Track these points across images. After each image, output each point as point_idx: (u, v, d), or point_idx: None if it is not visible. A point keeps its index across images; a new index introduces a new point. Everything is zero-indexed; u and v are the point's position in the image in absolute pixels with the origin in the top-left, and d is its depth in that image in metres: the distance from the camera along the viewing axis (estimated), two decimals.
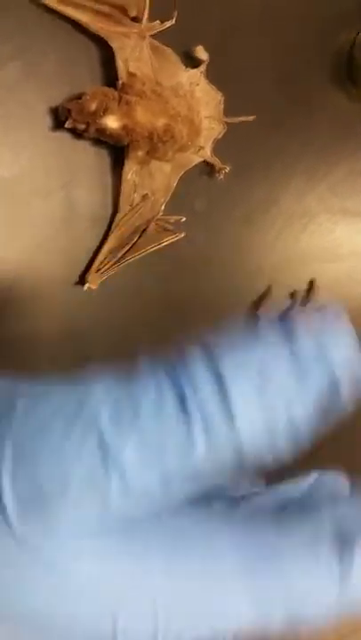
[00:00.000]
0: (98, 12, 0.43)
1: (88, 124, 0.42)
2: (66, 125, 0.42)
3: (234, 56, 0.51)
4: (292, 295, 0.59)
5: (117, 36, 0.43)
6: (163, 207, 0.48)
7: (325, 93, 0.58)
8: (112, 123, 0.42)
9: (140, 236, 0.47)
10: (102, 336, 0.48)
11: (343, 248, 0.62)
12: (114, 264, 0.46)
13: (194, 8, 0.48)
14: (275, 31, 0.53)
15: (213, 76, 0.49)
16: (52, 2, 0.41)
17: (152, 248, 0.48)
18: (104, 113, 0.42)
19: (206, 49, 0.48)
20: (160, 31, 0.45)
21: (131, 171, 0.46)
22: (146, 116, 0.43)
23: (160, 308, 0.51)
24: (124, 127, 0.43)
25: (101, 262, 0.46)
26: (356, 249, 0.62)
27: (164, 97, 0.45)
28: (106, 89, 0.43)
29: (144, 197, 0.47)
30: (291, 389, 0.30)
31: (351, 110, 0.60)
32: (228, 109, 0.51)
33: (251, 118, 0.52)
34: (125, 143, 0.44)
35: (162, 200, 0.48)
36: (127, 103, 0.43)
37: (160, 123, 0.44)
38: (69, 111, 0.41)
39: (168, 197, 0.48)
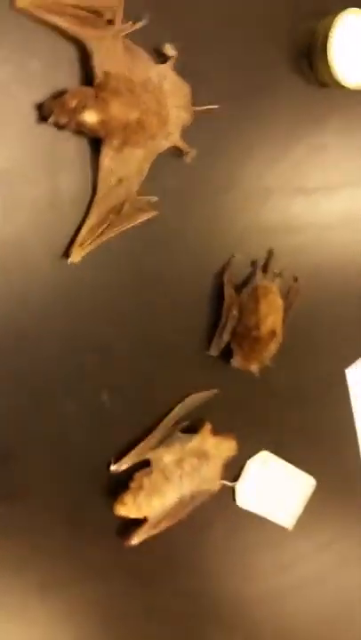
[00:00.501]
0: (76, 17, 0.49)
1: (69, 120, 0.48)
2: (49, 121, 0.48)
3: (201, 50, 0.57)
4: (253, 263, 0.66)
5: (94, 38, 0.49)
6: (136, 189, 0.55)
7: (286, 80, 0.64)
8: (90, 117, 0.49)
9: (116, 215, 0.54)
10: (84, 305, 0.56)
11: (299, 221, 0.69)
12: (94, 240, 0.53)
13: (164, 8, 0.53)
14: (239, 24, 0.59)
15: (182, 70, 0.55)
16: (27, 6, 0.46)
17: (128, 225, 0.55)
18: (83, 109, 0.48)
19: (175, 45, 0.54)
20: (132, 31, 0.51)
21: (107, 157, 0.52)
22: (120, 111, 0.50)
23: (135, 280, 0.59)
24: (101, 121, 0.49)
25: (83, 238, 0.53)
26: (312, 221, 0.69)
27: (136, 93, 0.51)
28: (84, 88, 0.49)
29: (119, 181, 0.53)
30: None
31: (309, 93, 0.66)
32: (198, 99, 0.57)
33: (215, 107, 0.58)
34: (102, 135, 0.50)
35: (135, 182, 0.54)
36: (103, 100, 0.49)
37: (133, 116, 0.50)
38: (52, 108, 0.48)
39: (141, 180, 0.55)
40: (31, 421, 0.56)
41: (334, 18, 0.62)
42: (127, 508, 0.61)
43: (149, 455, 0.63)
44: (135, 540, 0.64)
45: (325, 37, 0.62)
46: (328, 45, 0.62)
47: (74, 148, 0.52)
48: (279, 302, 0.66)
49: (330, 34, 0.62)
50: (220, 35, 0.58)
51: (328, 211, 0.70)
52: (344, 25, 0.62)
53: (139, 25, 0.51)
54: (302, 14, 0.63)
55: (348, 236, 0.73)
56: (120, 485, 0.63)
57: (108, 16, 0.50)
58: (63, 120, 0.48)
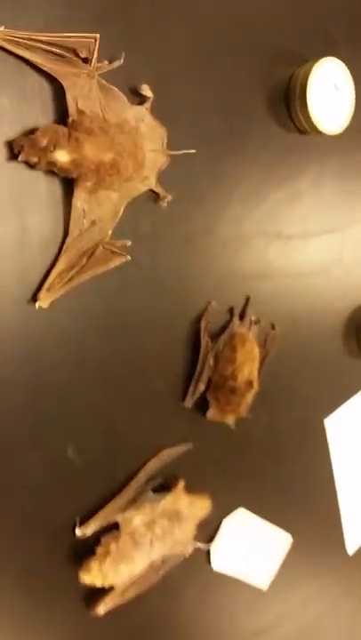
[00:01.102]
0: (50, 53, 0.47)
1: (40, 158, 0.46)
2: (19, 159, 0.45)
3: (178, 93, 0.56)
4: (230, 310, 0.64)
5: (68, 75, 0.47)
6: (110, 232, 0.52)
7: (264, 125, 0.63)
8: (62, 157, 0.46)
9: (88, 259, 0.51)
10: (53, 352, 0.52)
11: (276, 267, 0.67)
12: (64, 284, 0.50)
13: (141, 49, 0.52)
14: (216, 68, 0.58)
15: (158, 112, 0.53)
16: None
17: (100, 270, 0.52)
18: (54, 148, 0.46)
19: (151, 86, 0.52)
20: (108, 71, 0.49)
21: (80, 199, 0.49)
22: (93, 152, 0.47)
23: (107, 326, 0.55)
24: (73, 161, 0.47)
25: (52, 282, 0.49)
26: (288, 268, 0.68)
27: (111, 134, 0.49)
28: (56, 126, 0.46)
29: (93, 223, 0.51)
30: None
31: (287, 141, 0.65)
32: (173, 142, 0.55)
33: (192, 151, 0.56)
34: (75, 176, 0.48)
35: (109, 225, 0.52)
36: (76, 140, 0.46)
37: (107, 158, 0.48)
38: (22, 146, 0.45)
39: (115, 223, 0.52)
40: None
41: (313, 64, 0.62)
42: (92, 576, 0.56)
43: (118, 517, 0.58)
44: (102, 608, 0.59)
45: (304, 84, 0.62)
46: (306, 92, 0.61)
47: (44, 187, 0.49)
48: (256, 351, 0.64)
49: (308, 81, 0.61)
50: (196, 77, 0.57)
51: (305, 257, 0.69)
52: (322, 72, 0.62)
53: (115, 64, 0.50)
54: (280, 60, 0.63)
55: (325, 283, 0.71)
56: (86, 549, 0.58)
57: (83, 54, 0.48)
58: (33, 159, 0.46)
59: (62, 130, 0.46)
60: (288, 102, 0.64)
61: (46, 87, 0.47)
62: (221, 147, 0.60)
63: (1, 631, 0.55)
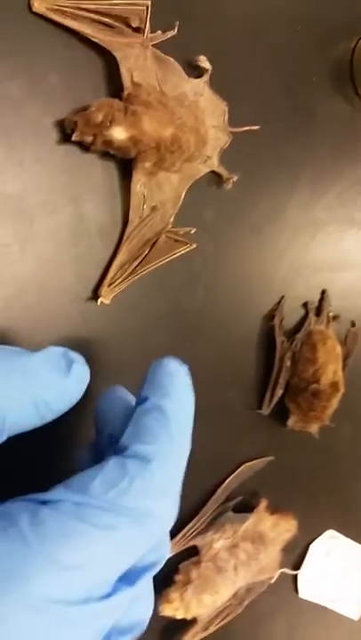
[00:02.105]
0: (99, 23, 0.42)
1: (95, 136, 0.41)
2: (73, 138, 0.41)
3: (237, 65, 0.51)
4: (305, 305, 0.58)
5: (120, 46, 0.43)
6: (172, 219, 0.47)
7: (329, 102, 0.57)
8: (119, 134, 0.41)
9: (150, 249, 0.46)
10: (115, 352, 0.47)
11: (352, 257, 0.61)
12: (126, 278, 0.45)
13: (195, 18, 0.48)
14: (276, 40, 0.53)
15: (216, 86, 0.49)
16: (45, 10, 0.40)
17: (163, 260, 0.47)
18: (110, 124, 0.41)
19: (209, 59, 0.48)
20: (162, 41, 0.45)
21: (139, 183, 0.45)
22: (153, 126, 0.43)
23: (172, 322, 0.50)
24: (132, 138, 0.42)
25: (113, 276, 0.45)
26: None
27: (170, 107, 0.44)
28: (111, 100, 0.42)
29: (153, 209, 0.46)
30: None
31: (355, 119, 0.59)
32: (233, 119, 0.50)
33: (255, 128, 0.51)
34: (133, 155, 0.43)
35: (171, 211, 0.47)
36: (133, 113, 0.42)
37: (167, 132, 0.43)
38: (76, 123, 0.40)
39: (177, 209, 0.47)
40: None
41: None
42: (174, 608, 0.49)
43: (197, 541, 0.52)
44: None
45: None
46: None
47: (100, 172, 0.44)
48: (339, 349, 0.57)
49: None
50: (255, 49, 0.52)
51: None
52: None
53: (169, 34, 0.45)
54: (343, 31, 0.57)
55: None
56: (163, 577, 0.52)
57: (135, 23, 0.43)
58: (88, 137, 0.41)
59: (118, 104, 0.42)
60: (353, 77, 0.59)
61: (97, 60, 0.43)
62: (285, 125, 0.55)
63: None
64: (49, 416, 0.30)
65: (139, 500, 0.27)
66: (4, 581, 0.23)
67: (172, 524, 0.29)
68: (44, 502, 0.26)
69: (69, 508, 0.26)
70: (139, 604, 0.30)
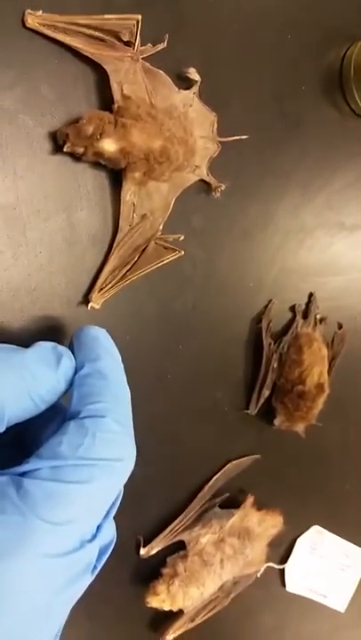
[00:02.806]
0: (90, 37, 0.44)
1: (86, 148, 0.43)
2: (64, 149, 0.42)
3: (226, 76, 0.52)
4: (292, 308, 0.59)
5: (111, 59, 0.44)
6: (161, 226, 0.49)
7: (318, 110, 0.59)
8: (109, 145, 0.43)
9: (140, 255, 0.48)
10: None
11: (341, 261, 0.62)
12: (116, 283, 0.47)
13: (185, 31, 0.49)
14: (266, 49, 0.54)
15: (206, 97, 0.50)
16: (37, 25, 0.42)
17: (153, 267, 0.48)
18: (101, 136, 0.43)
19: (198, 70, 0.49)
20: (152, 54, 0.46)
21: (129, 192, 0.46)
22: (142, 139, 0.44)
23: (162, 327, 0.52)
24: (121, 150, 0.43)
25: (103, 282, 0.46)
26: (354, 262, 0.63)
27: (159, 119, 0.45)
28: (102, 113, 0.43)
29: (143, 217, 0.47)
30: None
31: (343, 125, 0.61)
32: (222, 128, 0.51)
33: (244, 137, 0.53)
34: (123, 166, 0.44)
35: (160, 219, 0.48)
36: (123, 126, 0.43)
37: (156, 144, 0.45)
38: (67, 135, 0.42)
39: (167, 216, 0.49)
40: None
41: None
42: (160, 599, 0.51)
43: (184, 536, 0.54)
44: (170, 635, 0.54)
45: (358, 62, 0.58)
46: None
47: (91, 181, 0.46)
48: (324, 351, 0.59)
49: None
50: (244, 59, 0.53)
51: None
52: None
53: (159, 47, 0.46)
54: (333, 39, 0.59)
55: None
56: (150, 570, 0.54)
57: (125, 37, 0.45)
58: (79, 149, 0.43)
59: (108, 116, 0.43)
60: (342, 84, 0.60)
61: (89, 73, 0.44)
62: (274, 133, 0.56)
63: None
64: (43, 406, 0.34)
65: (105, 450, 0.31)
66: (9, 548, 0.27)
67: (133, 461, 0.33)
68: (22, 474, 0.30)
69: (47, 474, 0.29)
70: (110, 527, 0.33)
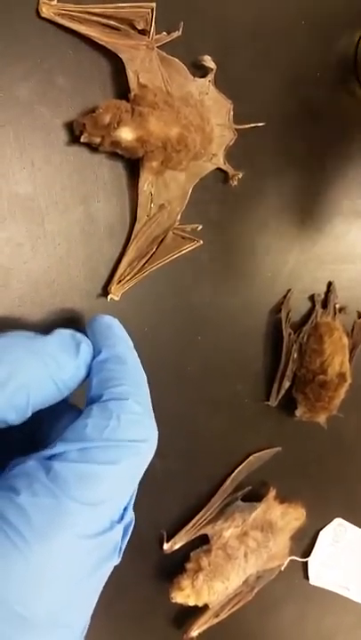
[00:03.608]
0: (105, 26, 0.43)
1: (103, 138, 0.42)
2: (81, 140, 0.42)
3: (241, 64, 0.51)
4: (311, 298, 0.59)
5: (126, 48, 0.44)
6: (179, 216, 0.48)
7: (333, 96, 0.58)
8: (126, 134, 0.43)
9: (158, 246, 0.47)
10: None
11: (358, 249, 0.61)
12: (135, 275, 0.46)
13: (199, 18, 0.48)
14: (280, 36, 0.54)
15: (221, 85, 0.49)
16: (52, 15, 0.41)
17: (171, 257, 0.48)
18: (118, 125, 0.42)
19: (213, 58, 0.48)
20: (167, 42, 0.46)
21: (146, 182, 0.46)
22: (159, 127, 0.43)
23: (180, 318, 0.51)
24: (139, 138, 0.43)
25: (122, 273, 0.46)
26: None
27: (176, 107, 0.45)
28: (118, 101, 0.43)
29: (161, 207, 0.47)
30: None
31: (358, 110, 0.60)
32: (238, 116, 0.51)
33: (260, 125, 0.52)
34: (140, 155, 0.44)
35: (178, 209, 0.48)
36: (140, 114, 0.43)
37: (173, 132, 0.44)
38: (84, 125, 0.42)
39: (184, 206, 0.48)
40: None
41: None
42: (185, 595, 0.51)
43: (207, 530, 0.53)
44: (195, 631, 0.54)
45: None
46: None
47: (108, 171, 0.45)
48: (345, 340, 0.58)
49: None
50: (260, 46, 0.52)
51: None
52: None
53: (174, 35, 0.46)
54: (346, 24, 0.58)
55: None
56: (174, 565, 0.53)
57: (140, 26, 0.44)
58: (96, 139, 0.42)
59: (125, 105, 0.43)
60: (357, 69, 0.59)
61: (104, 63, 0.44)
62: (289, 120, 0.55)
63: None
64: (66, 392, 0.34)
65: (130, 431, 0.31)
66: (45, 530, 0.27)
67: (156, 441, 0.34)
68: (50, 458, 0.30)
69: (76, 456, 0.30)
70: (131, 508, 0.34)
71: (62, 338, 0.35)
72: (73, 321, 0.45)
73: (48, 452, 0.30)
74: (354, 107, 0.59)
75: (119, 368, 0.35)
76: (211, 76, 0.49)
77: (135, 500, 0.51)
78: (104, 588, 0.50)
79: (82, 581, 0.29)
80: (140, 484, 0.51)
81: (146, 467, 0.33)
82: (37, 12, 0.41)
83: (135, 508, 0.51)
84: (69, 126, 0.43)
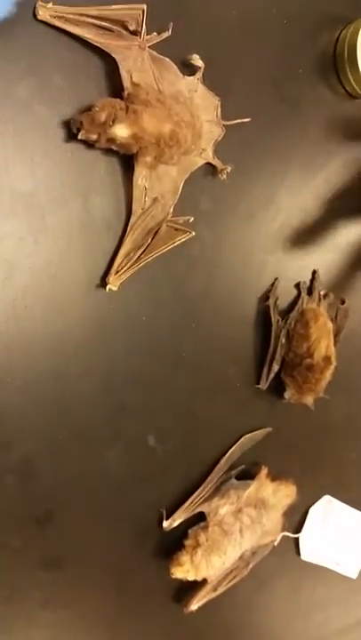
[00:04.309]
0: (99, 28, 0.45)
1: (99, 135, 0.44)
2: (79, 137, 0.44)
3: (227, 62, 0.54)
4: (298, 286, 0.61)
5: (119, 48, 0.46)
6: (172, 209, 0.50)
7: (314, 92, 0.60)
8: (122, 131, 0.45)
9: (153, 238, 0.49)
10: (124, 334, 0.50)
11: (340, 238, 0.64)
12: (131, 266, 0.48)
13: (188, 19, 0.51)
14: (264, 36, 0.56)
15: (209, 82, 0.52)
16: (49, 18, 0.43)
17: (165, 248, 0.50)
18: (113, 122, 0.44)
19: (201, 57, 0.51)
20: (158, 42, 0.48)
21: (140, 176, 0.48)
22: (152, 124, 0.46)
23: (176, 307, 0.54)
24: (133, 135, 0.45)
25: (119, 265, 0.48)
26: (354, 239, 0.65)
27: (167, 104, 0.47)
28: (113, 100, 0.45)
29: (154, 200, 0.49)
30: None
31: (339, 106, 0.63)
32: (225, 112, 0.53)
33: (246, 120, 0.54)
34: (135, 151, 0.46)
35: (171, 202, 0.50)
36: (134, 112, 0.45)
37: (166, 128, 0.46)
38: (81, 123, 0.44)
39: (176, 199, 0.50)
40: (73, 472, 0.50)
41: (359, 23, 0.59)
42: (185, 570, 0.53)
43: (204, 507, 0.56)
44: (194, 604, 0.57)
45: (352, 44, 0.59)
46: (357, 52, 0.59)
47: (104, 167, 0.47)
48: (330, 325, 0.61)
49: (356, 40, 0.59)
50: (244, 45, 0.55)
51: None
52: None
53: (164, 35, 0.48)
54: (327, 23, 0.60)
55: None
56: (172, 542, 0.56)
57: (132, 26, 0.46)
58: (93, 136, 0.44)
59: (120, 103, 0.45)
60: (337, 66, 0.62)
61: (99, 62, 0.46)
62: (274, 115, 0.58)
63: (93, 630, 0.53)
64: None
65: None
66: None
67: None
68: None
69: None
70: None
71: None
72: (74, 313, 0.47)
73: None
74: (334, 100, 0.62)
75: None
76: (199, 74, 0.51)
77: (135, 482, 0.53)
78: (109, 568, 0.53)
79: None
80: (141, 466, 0.53)
81: None
82: (34, 15, 0.43)
83: (135, 491, 0.54)
84: (67, 124, 0.45)
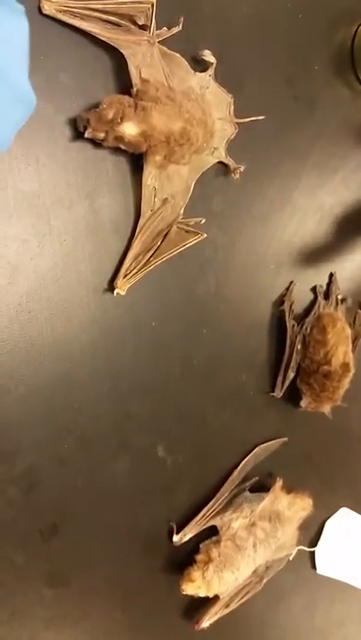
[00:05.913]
0: (107, 22, 0.44)
1: (107, 133, 0.42)
2: (85, 135, 0.42)
3: (240, 58, 0.52)
4: (314, 289, 0.59)
5: (128, 43, 0.44)
6: (182, 210, 0.48)
7: (330, 89, 0.58)
8: (130, 129, 0.43)
9: (162, 240, 0.48)
10: (132, 341, 0.48)
11: (359, 241, 0.62)
12: (140, 269, 0.47)
13: (199, 13, 0.49)
14: (278, 31, 0.54)
15: (221, 79, 0.50)
16: (54, 12, 0.41)
17: (176, 251, 0.48)
18: (121, 120, 0.42)
19: (213, 52, 0.49)
20: (168, 37, 0.46)
21: (150, 176, 0.46)
22: (162, 121, 0.44)
23: (186, 312, 0.52)
24: (142, 133, 0.43)
25: (128, 268, 0.46)
26: None
27: (178, 101, 0.45)
28: (121, 97, 0.43)
29: (164, 201, 0.47)
30: None
31: (356, 104, 0.60)
32: (238, 110, 0.51)
33: (260, 118, 0.52)
34: (144, 149, 0.44)
35: (181, 203, 0.48)
36: (143, 109, 0.43)
37: (176, 126, 0.45)
38: (88, 121, 0.42)
39: (187, 200, 0.48)
40: (78, 483, 0.48)
41: None
42: (196, 586, 0.51)
43: (216, 521, 0.54)
44: (206, 622, 0.54)
45: None
46: None
47: (112, 167, 0.45)
48: (348, 331, 0.58)
49: None
50: (257, 41, 0.53)
51: None
52: None
53: (174, 30, 0.46)
54: (342, 19, 0.58)
55: None
56: (184, 557, 0.54)
57: (140, 21, 0.45)
58: (100, 134, 0.42)
59: (128, 100, 0.43)
60: (354, 62, 0.60)
61: (106, 58, 0.44)
62: (289, 113, 0.56)
63: None
64: None
65: None
66: None
67: None
68: None
69: None
70: None
71: None
72: (81, 317, 0.45)
73: None
74: (350, 98, 0.60)
75: None
76: (211, 71, 0.49)
77: (143, 494, 0.51)
78: (116, 584, 0.51)
79: None
80: (150, 477, 0.51)
81: None
82: (39, 9, 0.41)
83: (144, 503, 0.52)
84: (73, 122, 0.43)
